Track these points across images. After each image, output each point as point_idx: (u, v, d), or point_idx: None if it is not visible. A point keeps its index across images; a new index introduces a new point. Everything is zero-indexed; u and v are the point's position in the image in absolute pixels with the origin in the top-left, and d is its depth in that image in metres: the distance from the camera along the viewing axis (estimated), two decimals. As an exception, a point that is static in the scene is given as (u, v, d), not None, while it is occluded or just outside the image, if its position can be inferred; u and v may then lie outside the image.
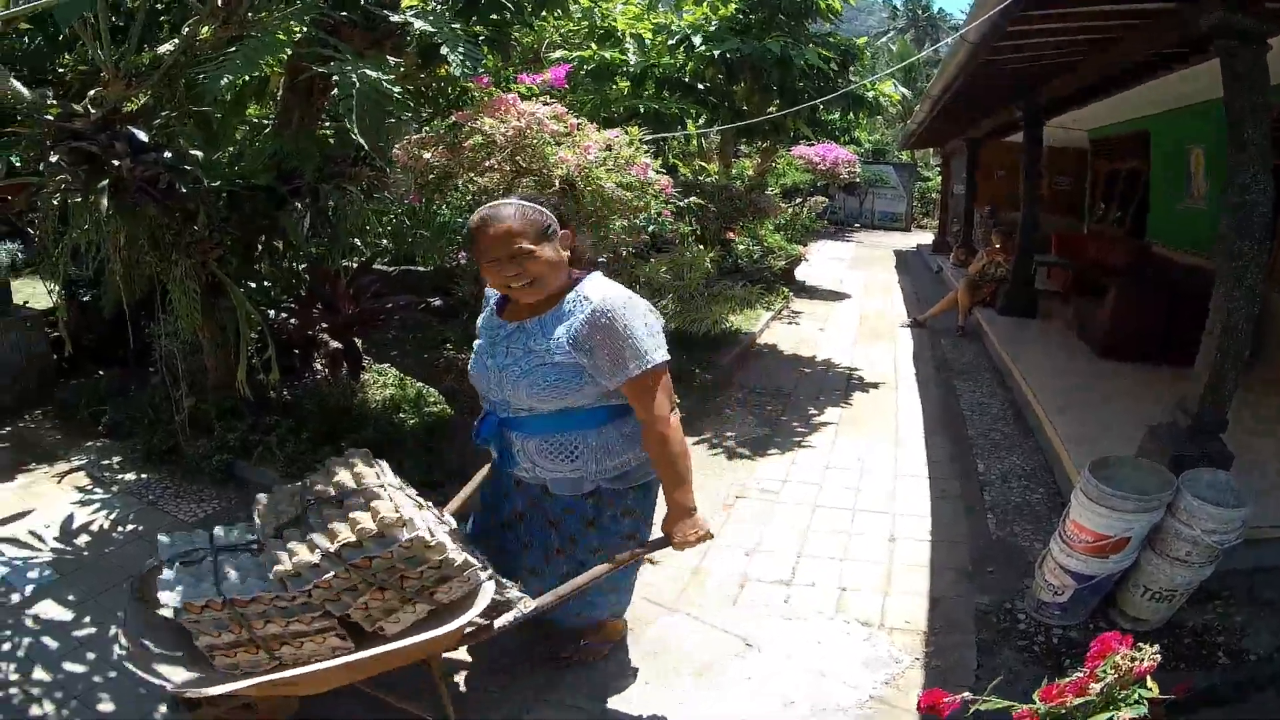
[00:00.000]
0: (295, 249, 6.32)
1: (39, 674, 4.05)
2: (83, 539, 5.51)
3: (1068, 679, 2.65)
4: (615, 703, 3.95)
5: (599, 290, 3.33)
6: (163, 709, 3.85)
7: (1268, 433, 6.19)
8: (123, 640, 3.42)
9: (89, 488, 6.38)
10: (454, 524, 3.79)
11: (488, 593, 3.39)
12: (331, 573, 3.18)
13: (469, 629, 3.38)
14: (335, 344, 6.70)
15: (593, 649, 4.18)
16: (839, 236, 25.50)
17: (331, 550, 3.22)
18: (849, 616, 4.51)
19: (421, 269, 9.08)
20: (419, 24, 5.03)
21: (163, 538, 3.56)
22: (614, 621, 4.18)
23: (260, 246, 6.22)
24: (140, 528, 5.69)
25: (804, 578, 4.88)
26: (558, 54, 9.58)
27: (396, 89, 4.55)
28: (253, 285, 6.25)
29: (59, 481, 6.45)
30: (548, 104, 5.61)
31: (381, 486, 3.49)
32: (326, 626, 3.24)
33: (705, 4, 10.77)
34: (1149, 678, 2.57)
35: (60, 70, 5.84)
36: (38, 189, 5.08)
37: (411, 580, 3.28)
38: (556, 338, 3.31)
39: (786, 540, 5.31)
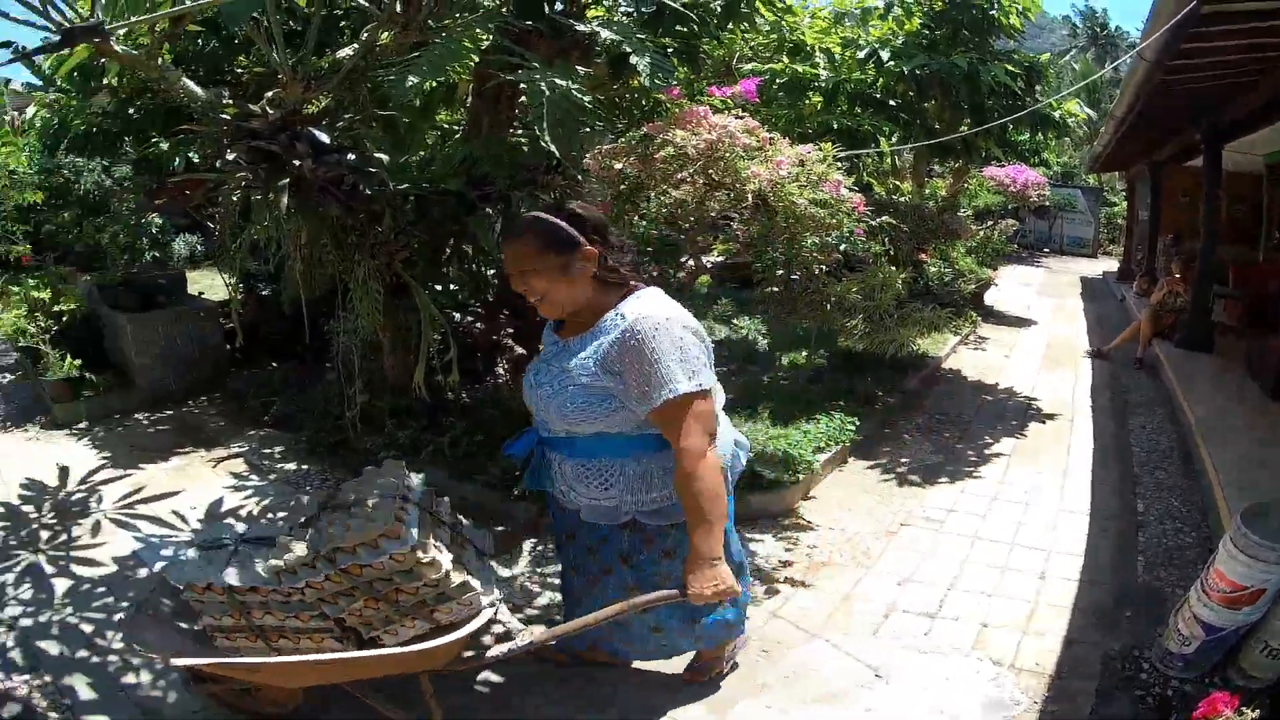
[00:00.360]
0: (485, 254, 6.30)
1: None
2: (227, 523, 5.61)
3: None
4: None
5: (637, 309, 3.18)
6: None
7: None
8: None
9: (245, 474, 6.57)
10: (486, 548, 3.89)
11: (482, 618, 3.35)
12: (323, 575, 3.30)
13: (466, 654, 3.43)
14: (520, 349, 6.73)
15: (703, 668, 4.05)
16: (1028, 261, 24.81)
17: (323, 553, 3.33)
18: (983, 654, 4.35)
19: None
20: (605, 33, 4.93)
21: (199, 527, 3.93)
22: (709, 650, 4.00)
23: (449, 250, 6.24)
24: (289, 516, 5.76)
25: (950, 611, 4.74)
26: (749, 66, 9.39)
27: (587, 98, 4.39)
28: (439, 288, 6.27)
29: (214, 466, 6.68)
30: (740, 117, 5.42)
31: (395, 498, 3.51)
32: (324, 628, 3.40)
33: (890, 19, 10.50)
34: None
35: (238, 71, 6.04)
36: (216, 185, 5.12)
37: (407, 594, 3.32)
38: (584, 358, 3.21)
39: (941, 571, 5.18)
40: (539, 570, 5.13)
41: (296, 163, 4.60)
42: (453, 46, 4.43)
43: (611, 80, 5.68)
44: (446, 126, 7.02)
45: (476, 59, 5.04)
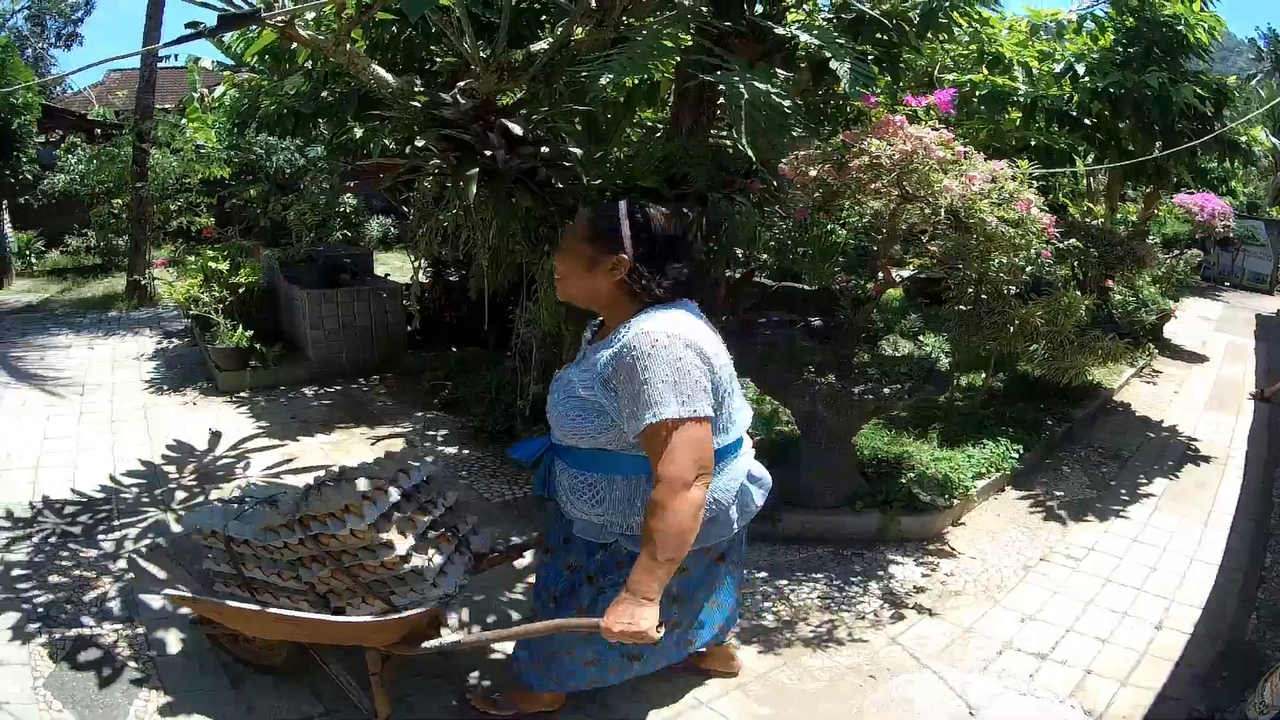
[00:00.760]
0: None
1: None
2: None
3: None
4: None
5: (643, 324, 3.01)
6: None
7: None
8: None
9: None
10: (477, 546, 3.92)
11: (420, 607, 3.43)
12: (297, 538, 3.49)
13: (399, 643, 3.54)
14: None
15: (502, 708, 3.85)
16: (1209, 294, 23.89)
17: (297, 518, 3.50)
18: (1077, 702, 4.20)
19: (805, 287, 8.92)
20: (805, 37, 4.82)
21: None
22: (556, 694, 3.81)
23: None
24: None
25: (1061, 653, 4.59)
26: (950, 77, 9.17)
27: (787, 102, 4.30)
28: None
29: (373, 444, 6.78)
30: (936, 129, 5.25)
31: (382, 480, 3.59)
32: (299, 590, 3.60)
33: (1085, 33, 10.15)
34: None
35: (435, 60, 6.07)
36: (406, 170, 5.17)
37: (368, 571, 3.47)
38: (587, 369, 3.13)
39: (1065, 612, 5.01)
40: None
41: (488, 153, 4.62)
42: (653, 44, 4.38)
43: (814, 86, 5.59)
44: (650, 124, 6.99)
45: (677, 58, 4.98)
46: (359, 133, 6.67)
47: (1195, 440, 8.65)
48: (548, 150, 4.92)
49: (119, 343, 10.50)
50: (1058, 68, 9.63)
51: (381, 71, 4.88)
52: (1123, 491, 6.91)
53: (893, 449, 6.12)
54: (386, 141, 6.16)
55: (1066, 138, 9.31)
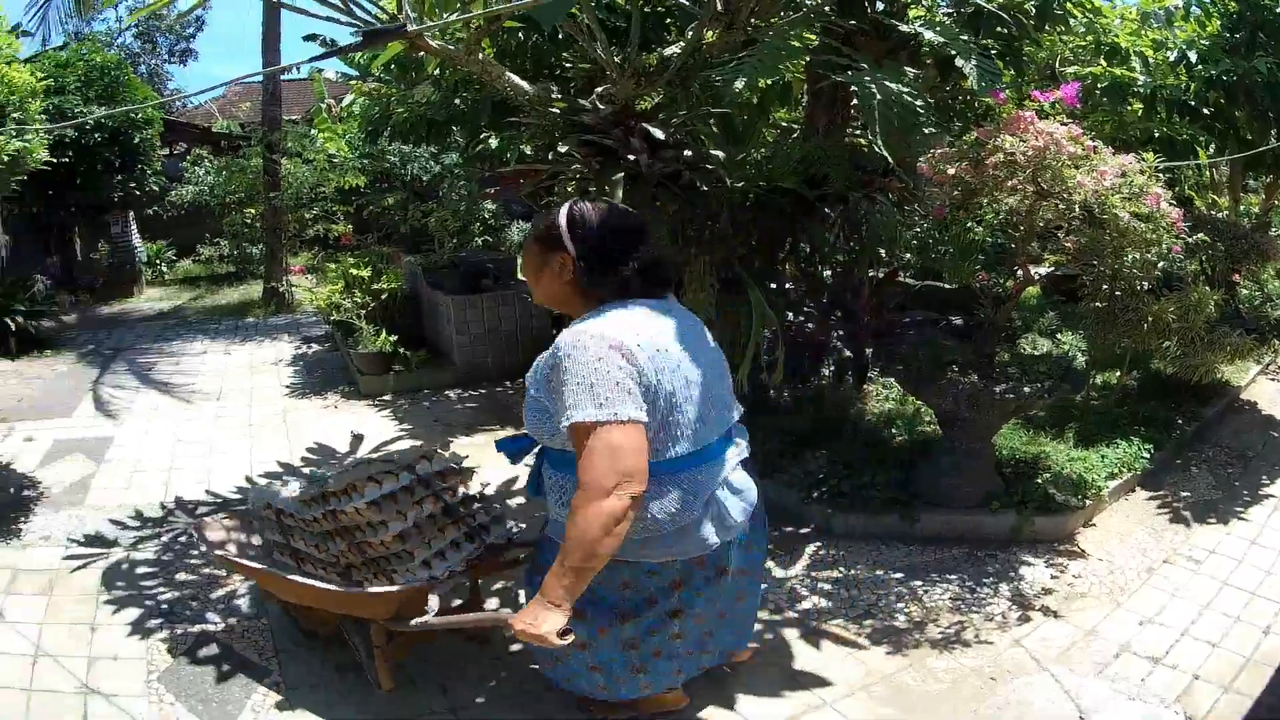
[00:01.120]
0: (822, 254, 6.33)
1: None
2: (515, 500, 5.90)
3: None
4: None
5: (579, 324, 2.99)
6: None
7: None
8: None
9: None
10: (495, 538, 4.10)
11: (408, 585, 3.67)
12: (321, 512, 3.82)
13: (395, 618, 3.70)
14: (847, 352, 6.71)
15: (623, 711, 3.77)
16: (1328, 287, 23.26)
17: (317, 495, 3.84)
18: (1181, 708, 4.12)
19: (946, 286, 8.92)
20: (929, 34, 4.85)
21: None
22: (609, 701, 3.67)
23: (785, 249, 6.29)
24: None
25: (1173, 658, 4.48)
26: (1071, 70, 9.11)
27: (919, 101, 4.35)
28: (773, 286, 6.25)
29: None
30: (1064, 124, 5.27)
31: (395, 466, 3.89)
32: (329, 562, 3.95)
33: (1192, 20, 9.98)
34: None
35: (566, 65, 6.15)
36: (549, 175, 5.29)
37: (373, 549, 3.76)
38: (535, 369, 3.10)
39: (1182, 615, 4.89)
40: (813, 574, 5.15)
41: (631, 157, 4.70)
42: (782, 45, 4.41)
43: (942, 82, 5.63)
44: (785, 124, 7.05)
45: (807, 58, 5.05)
46: (494, 141, 6.82)
47: (1320, 439, 8.48)
48: (689, 154, 5.00)
49: (256, 348, 10.86)
50: (1172, 56, 9.49)
51: (517, 79, 4.98)
52: (1245, 492, 6.77)
53: (1030, 449, 6.11)
54: (524, 149, 6.30)
55: (1187, 128, 9.19)
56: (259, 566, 4.06)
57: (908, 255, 8.43)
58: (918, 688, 4.13)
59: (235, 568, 4.24)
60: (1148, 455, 6.46)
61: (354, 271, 9.39)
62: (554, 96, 5.12)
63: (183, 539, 5.49)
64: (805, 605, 4.82)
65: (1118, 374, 7.87)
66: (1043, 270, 9.47)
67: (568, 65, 6.17)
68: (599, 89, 5.05)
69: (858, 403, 6.91)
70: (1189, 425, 7.62)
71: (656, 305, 3.13)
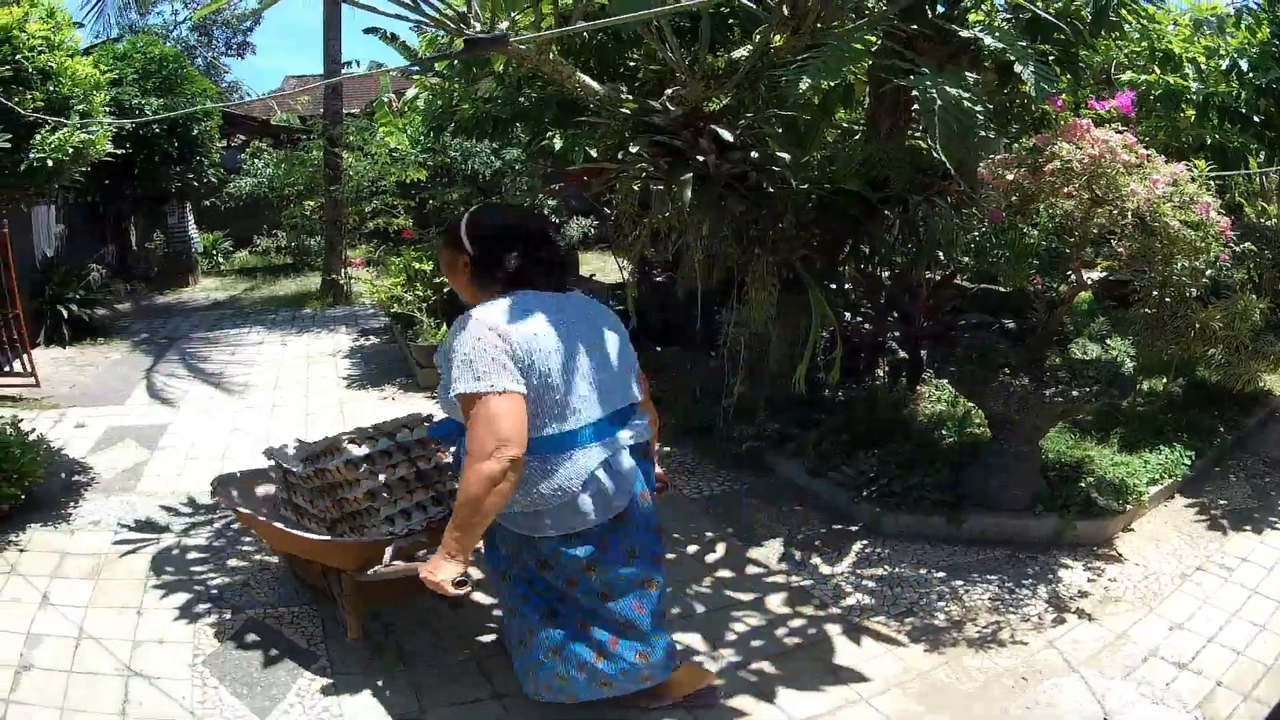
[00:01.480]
0: (881, 256, 6.43)
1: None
2: None
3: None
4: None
5: (467, 312, 3.32)
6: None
7: None
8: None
9: None
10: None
11: (374, 535, 4.07)
12: (311, 470, 4.26)
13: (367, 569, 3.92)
14: (902, 353, 6.81)
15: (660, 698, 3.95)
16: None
17: (310, 454, 4.33)
18: (1201, 713, 4.18)
19: (1002, 289, 8.91)
20: (988, 40, 4.90)
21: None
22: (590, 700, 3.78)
23: (846, 250, 6.37)
24: None
25: (1198, 664, 4.54)
26: (1126, 76, 9.13)
27: (979, 107, 4.42)
28: (832, 287, 6.36)
29: None
30: (1120, 131, 5.34)
31: (375, 432, 4.39)
32: (321, 518, 4.33)
33: (1243, 27, 9.95)
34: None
35: (632, 64, 6.22)
36: (616, 174, 5.34)
37: (350, 504, 4.21)
38: (438, 352, 3.40)
39: (1210, 622, 4.93)
40: (858, 571, 5.23)
41: (700, 158, 4.80)
42: (844, 49, 4.48)
43: (1000, 87, 5.70)
44: (847, 125, 7.15)
45: (869, 61, 5.13)
46: (559, 140, 6.92)
47: (1352, 447, 8.45)
48: (756, 155, 5.09)
49: (313, 339, 11.03)
50: (1224, 64, 9.50)
51: (587, 79, 5.08)
52: (1279, 501, 6.81)
53: (1075, 453, 6.16)
54: (590, 150, 6.42)
55: (1238, 135, 9.19)
56: (256, 516, 4.42)
57: (965, 259, 8.49)
58: (952, 685, 4.22)
59: (240, 517, 4.61)
60: (1188, 462, 6.48)
61: (416, 265, 9.53)
62: (624, 98, 5.21)
63: (235, 526, 5.58)
64: (849, 602, 4.91)
65: (1164, 380, 7.89)
66: (1095, 275, 9.47)
67: (633, 64, 6.26)
68: (669, 90, 5.12)
69: (910, 404, 6.98)
70: (1230, 433, 7.63)
71: (543, 297, 3.41)
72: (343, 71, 13.25)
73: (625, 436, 3.47)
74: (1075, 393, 5.25)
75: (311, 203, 14.70)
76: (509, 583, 3.65)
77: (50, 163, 5.32)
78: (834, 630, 4.63)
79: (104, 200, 14.16)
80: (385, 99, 13.20)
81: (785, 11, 4.79)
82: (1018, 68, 4.56)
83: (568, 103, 6.39)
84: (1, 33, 5.23)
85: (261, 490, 4.87)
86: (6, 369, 8.83)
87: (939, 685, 4.20)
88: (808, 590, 5.00)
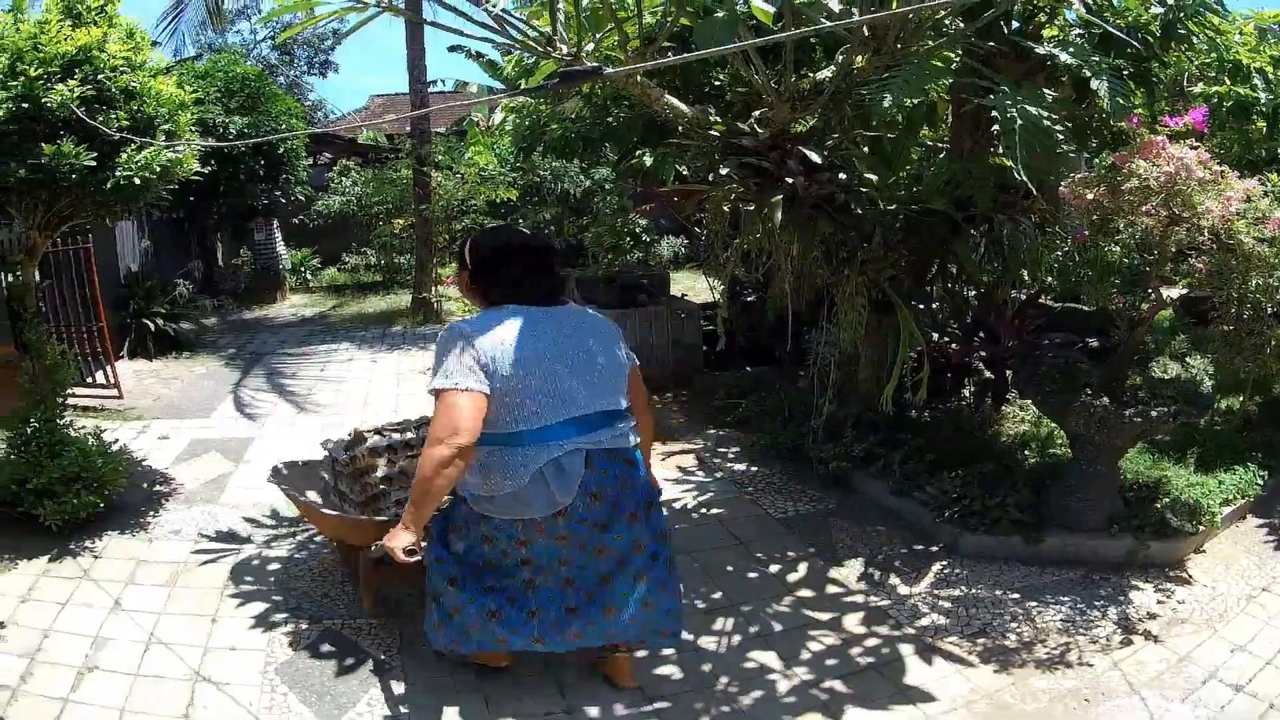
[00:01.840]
0: (968, 275, 6.47)
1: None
2: None
3: None
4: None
5: (453, 321, 3.92)
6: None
7: None
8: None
9: (691, 469, 6.89)
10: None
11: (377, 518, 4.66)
12: (348, 456, 5.08)
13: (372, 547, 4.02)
14: (988, 373, 6.87)
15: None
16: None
17: (349, 443, 5.19)
18: None
19: (1086, 308, 8.87)
20: (1064, 56, 4.96)
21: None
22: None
23: (933, 270, 6.42)
24: (724, 513, 6.13)
25: (1255, 686, 4.49)
26: (1198, 89, 9.13)
27: (1058, 125, 4.50)
28: (920, 307, 6.44)
29: (663, 459, 6.97)
30: (1194, 148, 5.40)
31: (392, 428, 5.45)
32: (356, 501, 5.04)
33: (1297, 34, 9.87)
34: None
35: (717, 84, 6.31)
36: (707, 196, 5.50)
37: (371, 487, 5.10)
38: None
39: (1270, 645, 4.87)
40: (935, 592, 5.25)
41: (789, 180, 4.92)
42: (924, 66, 4.58)
43: (1077, 104, 5.72)
44: (931, 144, 7.20)
45: (949, 79, 5.17)
46: (648, 159, 7.05)
47: None
48: (843, 176, 5.18)
49: (403, 357, 11.16)
50: (1287, 74, 9.45)
51: (675, 101, 5.23)
52: None
53: (1152, 473, 6.13)
54: (681, 168, 6.53)
55: (1310, 146, 9.15)
56: (302, 498, 4.78)
57: (1049, 278, 8.51)
58: (1016, 706, 4.24)
59: (290, 498, 4.91)
60: (1261, 481, 6.40)
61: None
62: (713, 119, 5.32)
63: (318, 538, 5.57)
64: (924, 622, 4.95)
65: (1240, 398, 7.91)
66: (1175, 292, 9.40)
67: (717, 85, 6.35)
68: (756, 113, 5.23)
69: (995, 424, 6.97)
70: (1291, 449, 7.46)
71: (527, 311, 3.77)
72: (429, 90, 13.47)
73: (582, 442, 3.72)
74: (1154, 412, 5.26)
75: (401, 221, 14.86)
76: (433, 543, 3.98)
77: (137, 181, 5.46)
78: (907, 650, 4.68)
79: (190, 217, 14.45)
80: (475, 119, 13.37)
81: (865, 32, 4.89)
82: (1094, 83, 4.66)
83: (655, 123, 6.52)
84: (81, 52, 5.36)
85: (316, 478, 5.17)
86: (90, 380, 9.02)
87: (1004, 705, 4.23)
88: (884, 610, 5.05)
